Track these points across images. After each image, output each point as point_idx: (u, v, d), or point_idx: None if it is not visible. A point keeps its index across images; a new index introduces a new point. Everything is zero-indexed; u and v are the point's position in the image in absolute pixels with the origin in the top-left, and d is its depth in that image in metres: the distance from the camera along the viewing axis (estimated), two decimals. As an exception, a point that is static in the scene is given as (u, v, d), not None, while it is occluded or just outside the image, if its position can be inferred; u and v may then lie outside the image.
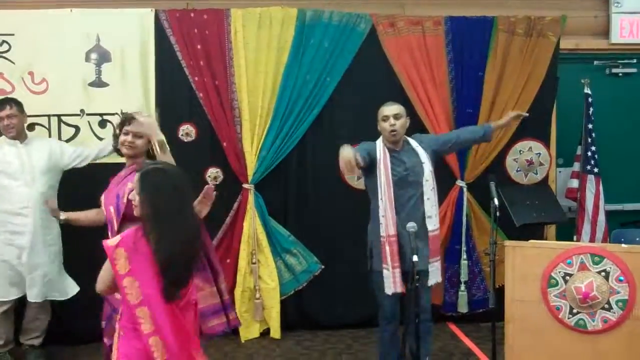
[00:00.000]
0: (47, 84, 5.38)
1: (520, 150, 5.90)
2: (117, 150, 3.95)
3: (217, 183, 5.52)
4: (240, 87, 5.49)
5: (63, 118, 5.37)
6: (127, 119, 3.87)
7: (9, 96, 5.06)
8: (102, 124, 5.40)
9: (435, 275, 4.39)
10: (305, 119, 5.61)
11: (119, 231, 3.44)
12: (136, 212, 2.88)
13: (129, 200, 3.45)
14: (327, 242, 5.74)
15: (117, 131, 3.90)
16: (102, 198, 3.84)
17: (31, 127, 5.31)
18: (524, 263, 3.84)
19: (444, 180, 5.30)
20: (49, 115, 5.35)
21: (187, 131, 5.51)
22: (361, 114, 5.67)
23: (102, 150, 5.09)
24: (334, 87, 5.65)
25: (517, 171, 5.91)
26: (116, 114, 5.40)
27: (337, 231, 5.72)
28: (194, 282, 2.98)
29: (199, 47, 5.46)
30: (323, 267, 5.73)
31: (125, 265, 2.74)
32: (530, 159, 5.89)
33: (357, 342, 5.51)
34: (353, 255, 5.66)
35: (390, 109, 4.45)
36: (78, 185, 4.96)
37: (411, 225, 3.82)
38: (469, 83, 5.77)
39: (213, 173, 5.55)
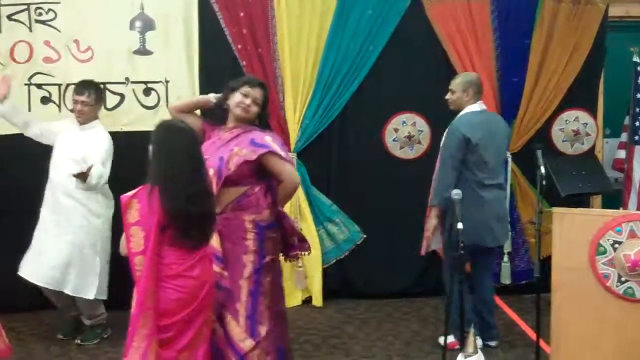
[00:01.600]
0: (93, 52, 5.41)
1: (566, 120, 5.80)
2: (214, 108, 3.93)
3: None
4: (283, 55, 5.48)
5: (108, 86, 5.39)
6: (250, 80, 3.86)
7: (91, 80, 4.96)
8: (147, 91, 5.42)
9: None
10: (348, 87, 5.58)
11: (217, 194, 3.50)
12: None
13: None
14: (369, 212, 5.72)
15: (231, 89, 3.82)
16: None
17: (77, 94, 5.38)
18: (572, 230, 3.77)
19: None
20: (94, 83, 5.39)
21: (230, 99, 5.51)
22: (405, 82, 5.66)
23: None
24: (377, 55, 5.59)
25: (563, 141, 5.82)
26: (160, 81, 5.44)
27: (379, 200, 5.71)
28: None
29: (242, 14, 5.44)
30: (365, 236, 5.72)
31: (135, 215, 2.97)
32: (576, 129, 5.80)
33: (399, 311, 5.52)
34: (395, 224, 5.69)
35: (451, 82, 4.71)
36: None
37: (455, 193, 3.79)
38: (514, 51, 5.67)
39: (256, 141, 5.55)
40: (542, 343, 4.05)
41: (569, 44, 5.67)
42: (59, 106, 5.40)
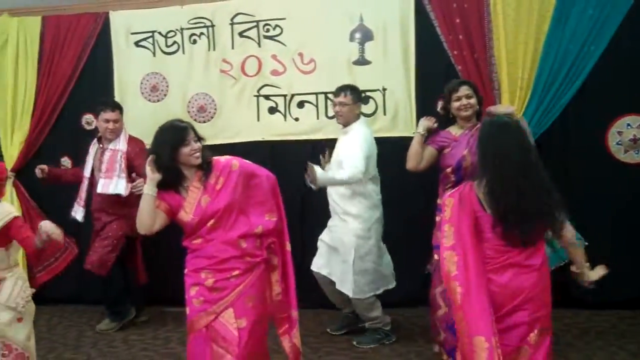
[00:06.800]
0: (315, 64, 5.74)
1: (628, 124, 5.41)
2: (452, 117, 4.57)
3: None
4: (500, 59, 5.43)
5: (330, 96, 5.63)
6: (454, 87, 4.48)
7: (346, 83, 5.24)
8: (365, 100, 5.60)
9: None
10: (569, 89, 5.41)
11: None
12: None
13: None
14: (591, 218, 5.43)
15: (446, 102, 4.55)
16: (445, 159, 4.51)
17: (301, 104, 5.74)
18: None
19: None
20: (316, 93, 5.71)
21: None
22: (629, 83, 5.42)
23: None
24: (599, 56, 5.37)
25: (617, 144, 5.48)
26: (378, 90, 5.64)
27: (601, 206, 5.48)
28: None
29: (457, 21, 5.50)
30: (587, 243, 5.46)
31: (449, 213, 3.14)
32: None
33: (623, 323, 5.26)
34: (619, 230, 5.44)
35: None
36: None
37: None
38: None
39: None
40: None
41: None
42: (284, 115, 5.78)
